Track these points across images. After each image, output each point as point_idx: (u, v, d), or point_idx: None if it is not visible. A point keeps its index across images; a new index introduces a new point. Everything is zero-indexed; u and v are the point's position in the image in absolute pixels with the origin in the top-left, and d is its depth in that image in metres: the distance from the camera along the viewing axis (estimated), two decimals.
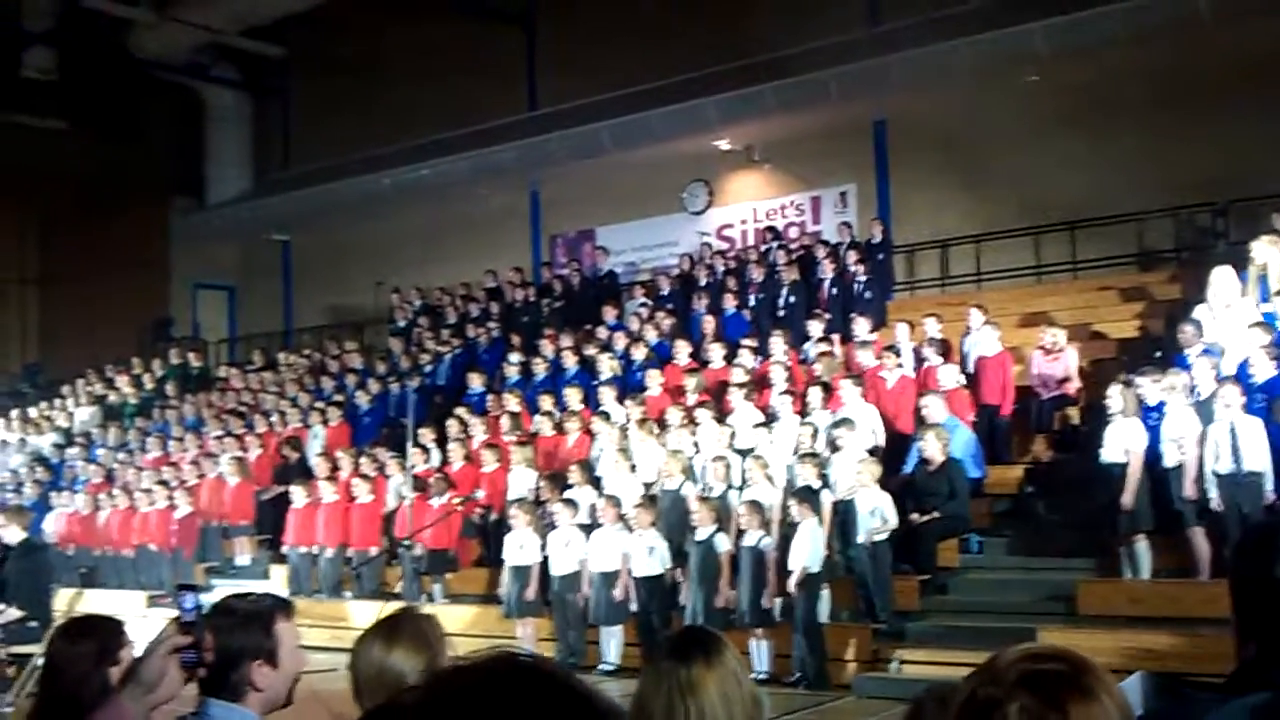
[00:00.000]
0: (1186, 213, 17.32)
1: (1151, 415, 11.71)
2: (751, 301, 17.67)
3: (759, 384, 15.00)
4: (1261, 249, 13.51)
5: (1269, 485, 10.96)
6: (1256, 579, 2.34)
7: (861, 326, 15.80)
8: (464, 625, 14.15)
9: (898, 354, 14.67)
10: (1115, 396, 11.77)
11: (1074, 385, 14.14)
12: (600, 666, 12.90)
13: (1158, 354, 13.33)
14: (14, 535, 11.37)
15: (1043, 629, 10.58)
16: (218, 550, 18.01)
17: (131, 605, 16.01)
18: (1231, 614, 2.39)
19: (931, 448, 12.60)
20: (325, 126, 26.74)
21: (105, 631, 3.67)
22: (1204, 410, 11.48)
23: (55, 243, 26.91)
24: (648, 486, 13.83)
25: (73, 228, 26.67)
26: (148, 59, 26.48)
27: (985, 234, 18.74)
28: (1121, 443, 11.62)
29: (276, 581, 16.44)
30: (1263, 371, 11.62)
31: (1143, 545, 11.55)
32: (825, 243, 18.65)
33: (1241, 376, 11.68)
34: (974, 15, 17.82)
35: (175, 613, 2.97)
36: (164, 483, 18.25)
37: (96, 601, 16.33)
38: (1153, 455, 11.54)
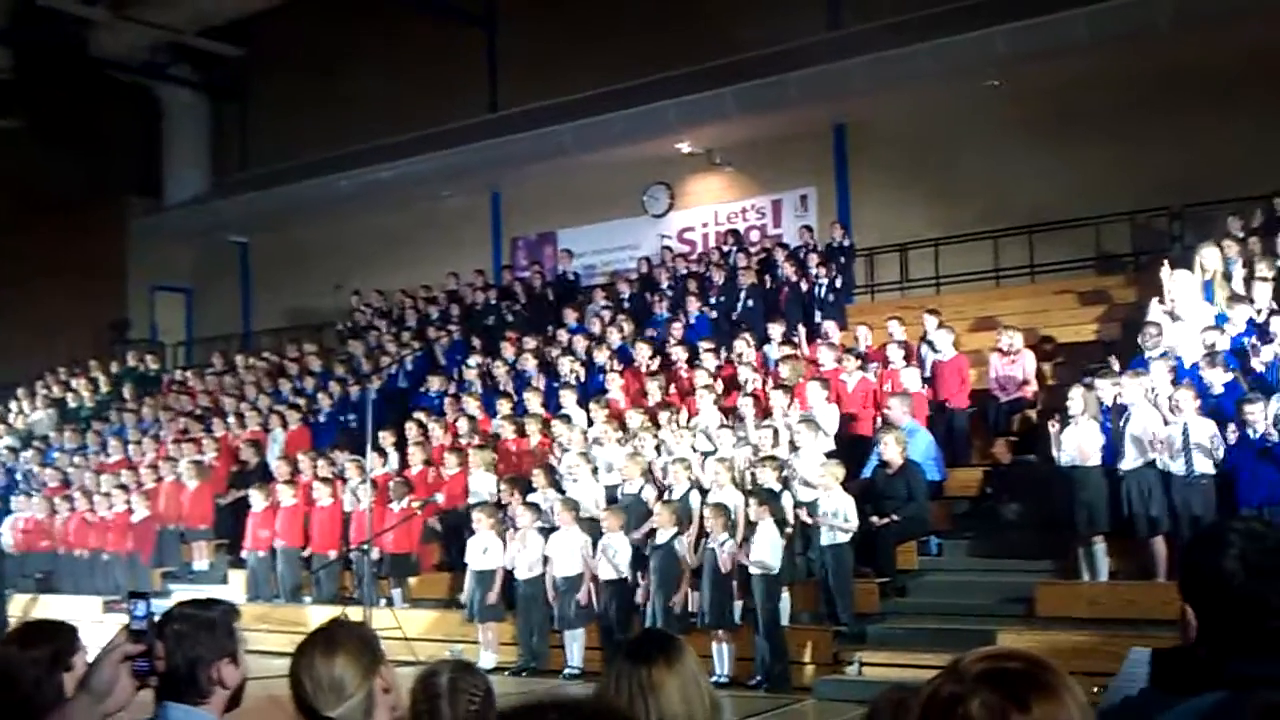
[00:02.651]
0: (1143, 217, 17.48)
1: (1110, 417, 11.80)
2: (712, 304, 17.70)
3: (722, 386, 15.03)
4: (1211, 254, 13.67)
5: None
6: (1206, 578, 2.36)
7: (824, 330, 15.85)
8: (425, 629, 14.10)
9: (858, 357, 14.74)
10: (1076, 399, 11.85)
11: (1032, 388, 14.25)
12: (565, 671, 12.88)
13: (1111, 357, 13.43)
14: None
15: (1001, 630, 10.67)
16: (175, 555, 17.85)
17: (87, 610, 15.85)
18: (1180, 614, 2.41)
19: (890, 451, 12.66)
20: (284, 127, 26.59)
21: (59, 637, 3.63)
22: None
23: (9, 243, 26.60)
24: (610, 490, 13.81)
25: (28, 228, 26.34)
26: (105, 58, 26.30)
27: (944, 238, 18.85)
28: (1080, 445, 11.70)
29: (235, 586, 16.34)
30: (1212, 375, 11.73)
31: (1100, 547, 11.64)
32: (786, 246, 18.71)
33: (1194, 379, 11.80)
34: (934, 20, 17.91)
35: (128, 619, 2.97)
36: (122, 487, 18.07)
37: (52, 606, 16.15)
38: (1110, 458, 11.62)
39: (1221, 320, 12.81)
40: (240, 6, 24.92)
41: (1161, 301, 13.41)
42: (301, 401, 19.44)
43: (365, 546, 14.33)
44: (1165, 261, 13.91)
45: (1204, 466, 11.12)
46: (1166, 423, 11.37)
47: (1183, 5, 15.74)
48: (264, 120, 27.72)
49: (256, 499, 16.32)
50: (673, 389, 15.66)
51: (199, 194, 27.89)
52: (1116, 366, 12.79)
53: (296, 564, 16.03)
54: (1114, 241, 17.84)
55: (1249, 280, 13.22)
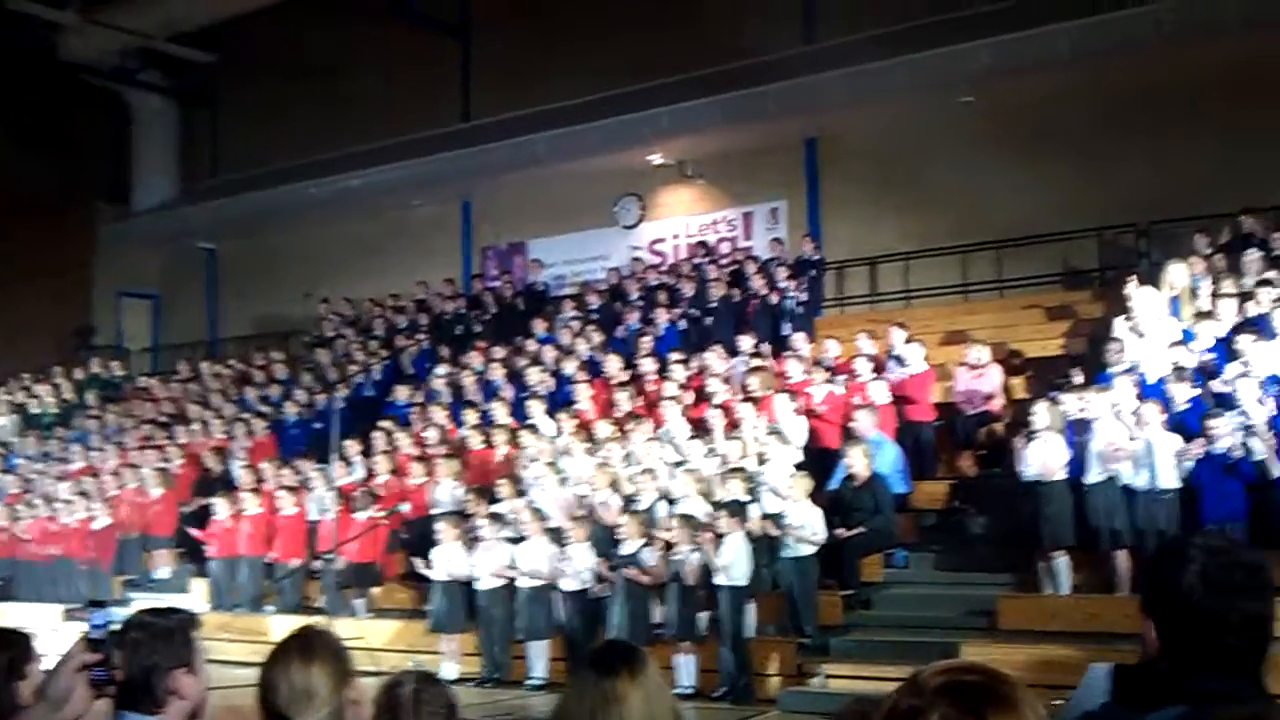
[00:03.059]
0: (1111, 233, 17.61)
1: (1074, 432, 11.87)
2: (682, 315, 17.71)
3: (691, 398, 15.04)
4: (1178, 271, 13.79)
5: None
6: (1166, 594, 2.37)
7: (793, 342, 15.88)
8: (388, 640, 14.03)
9: (826, 369, 14.77)
10: (1041, 413, 11.92)
11: (998, 402, 14.32)
12: (528, 681, 12.83)
13: (1075, 370, 13.51)
14: None
15: (965, 643, 10.70)
16: (137, 563, 17.69)
17: (48, 618, 15.66)
18: (1145, 627, 2.42)
19: (857, 463, 12.70)
20: (254, 134, 26.48)
21: (13, 645, 3.59)
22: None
23: None
24: (578, 500, 13.79)
25: None
26: (75, 63, 26.11)
27: (914, 252, 18.94)
28: (1044, 459, 11.76)
29: (197, 595, 16.20)
30: (1179, 391, 11.82)
31: (1063, 561, 11.70)
32: (756, 258, 18.74)
33: (1158, 394, 11.88)
34: (909, 35, 18.02)
35: (86, 627, 2.96)
36: (84, 493, 17.92)
37: (12, 614, 15.97)
38: (1074, 471, 11.69)
39: (1188, 337, 12.91)
40: (211, 12, 24.81)
41: (1127, 317, 13.50)
42: (268, 410, 19.32)
43: (329, 556, 14.27)
44: (1133, 278, 14.01)
45: (1168, 481, 11.19)
46: (1131, 438, 11.45)
47: (1153, 23, 15.89)
48: (234, 127, 27.59)
49: (221, 507, 16.21)
50: (641, 400, 15.65)
51: (168, 200, 27.73)
52: (1080, 381, 12.87)
53: (259, 573, 15.92)
54: (1082, 257, 17.96)
55: (1215, 297, 13.33)
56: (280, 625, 14.23)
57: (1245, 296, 13.15)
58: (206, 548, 16.31)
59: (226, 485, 17.04)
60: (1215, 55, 15.99)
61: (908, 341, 14.86)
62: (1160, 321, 13.21)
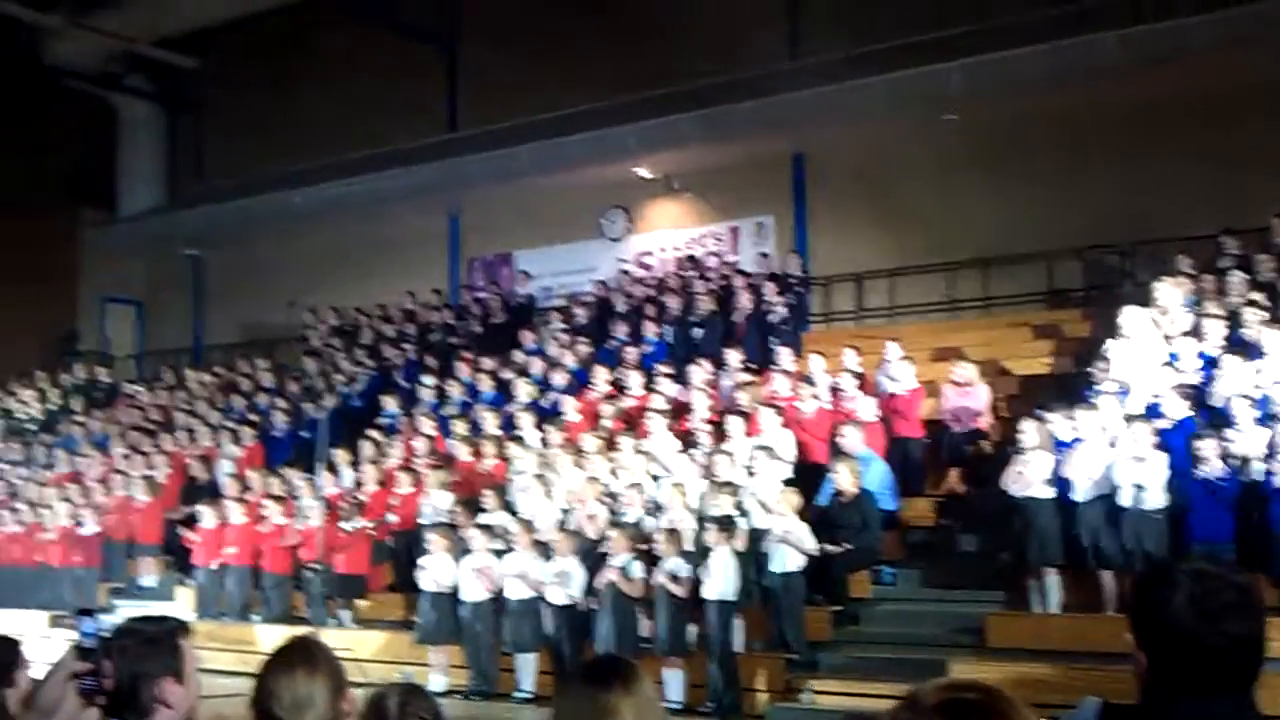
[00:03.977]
0: (1094, 253, 17.67)
1: (1063, 450, 11.88)
2: (669, 330, 17.72)
3: (678, 412, 15.03)
4: (1166, 291, 13.84)
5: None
6: (1154, 618, 2.37)
7: (779, 357, 15.89)
8: (374, 651, 13.99)
9: (813, 385, 14.77)
10: (1029, 432, 11.93)
11: (986, 419, 14.33)
12: (516, 694, 12.80)
13: (1055, 396, 13.52)
14: None
15: (953, 661, 10.69)
16: (122, 570, 17.62)
17: (33, 625, 15.59)
18: (1134, 651, 2.42)
19: (844, 480, 12.70)
20: (240, 141, 26.43)
21: (2, 651, 3.56)
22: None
23: None
24: (565, 513, 13.76)
25: None
26: (60, 67, 26.03)
27: (900, 268, 18.99)
28: (1032, 477, 11.76)
29: (182, 603, 16.14)
30: (1174, 410, 11.84)
31: (1052, 579, 11.71)
32: (743, 273, 18.77)
33: (1148, 414, 11.90)
34: (893, 53, 18.08)
35: (76, 636, 2.93)
36: (68, 499, 17.83)
37: None
38: (1063, 490, 11.70)
39: (1174, 358, 12.94)
40: (197, 18, 24.74)
41: (1116, 337, 13.52)
42: (254, 418, 19.26)
43: (317, 565, 14.22)
44: (1127, 306, 14.02)
45: (1157, 501, 11.21)
46: (1119, 457, 11.46)
47: (1134, 45, 15.99)
48: (220, 133, 27.53)
49: (206, 515, 16.14)
50: (627, 413, 15.63)
51: (153, 206, 27.64)
52: (1069, 401, 12.89)
53: (246, 582, 15.86)
54: (1066, 276, 18.03)
55: (1200, 317, 13.38)
56: (267, 635, 14.18)
57: (1231, 317, 13.20)
58: (193, 553, 16.24)
59: (213, 493, 16.98)
60: (1191, 77, 16.10)
61: (901, 358, 14.84)
62: (1148, 341, 13.23)
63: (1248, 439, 11.23)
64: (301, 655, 3.02)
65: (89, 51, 25.87)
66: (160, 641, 3.11)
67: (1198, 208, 16.14)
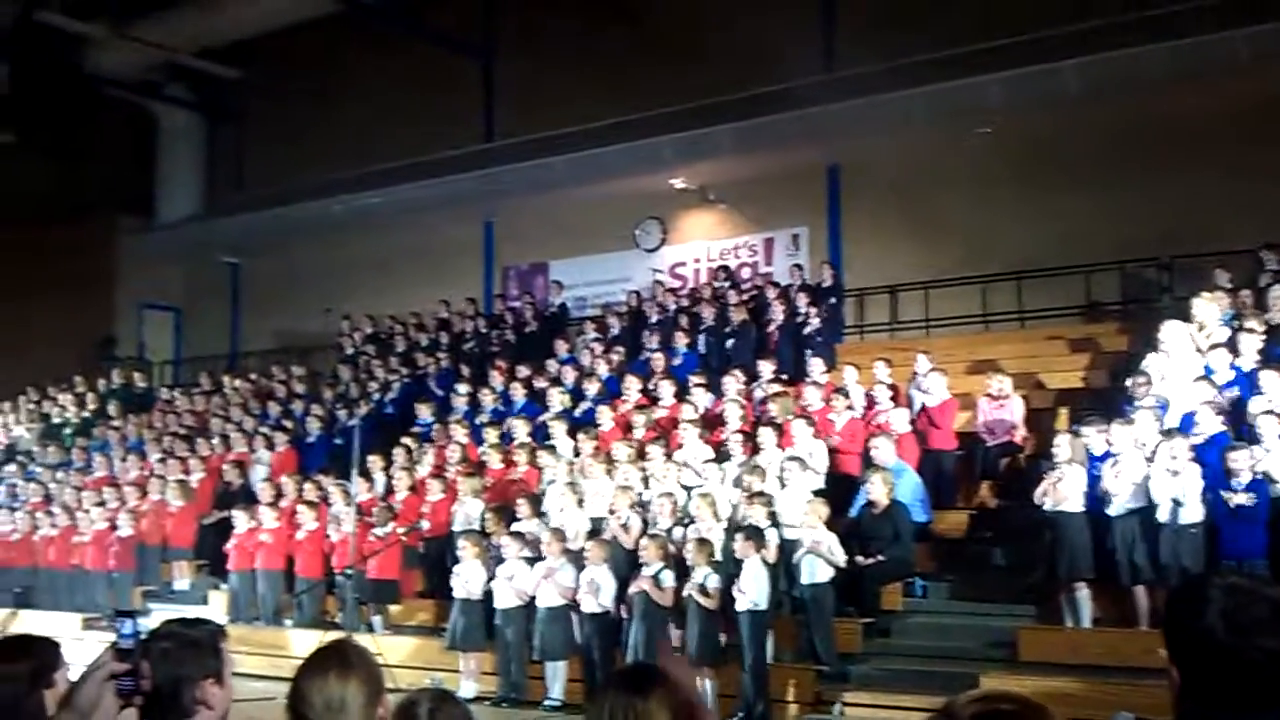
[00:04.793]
0: (1132, 266, 17.57)
1: (1097, 465, 11.80)
2: (702, 341, 17.72)
3: (711, 422, 15.02)
4: (1203, 306, 13.72)
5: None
6: (1188, 634, 2.36)
7: (812, 368, 15.86)
8: (406, 657, 14.01)
9: (846, 396, 14.74)
10: (1064, 445, 11.87)
11: (1020, 433, 14.26)
12: (545, 702, 12.80)
13: (1090, 410, 13.42)
14: None
15: (985, 674, 10.63)
16: (156, 573, 17.76)
17: (67, 627, 15.75)
18: (1169, 666, 2.40)
19: (877, 491, 12.65)
20: (279, 150, 26.66)
21: (41, 652, 3.58)
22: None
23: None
24: (595, 522, 13.77)
25: (18, 242, 26.30)
26: (101, 75, 26.32)
27: (934, 281, 18.93)
28: (1065, 491, 11.69)
29: (215, 607, 16.24)
30: (1208, 425, 11.73)
31: (1084, 593, 11.63)
32: (777, 284, 18.75)
33: (1184, 428, 11.81)
34: (930, 65, 18.05)
35: (111, 637, 2.95)
36: (103, 503, 17.98)
37: (31, 622, 16.05)
38: (1096, 504, 11.62)
39: (1210, 371, 12.83)
40: (239, 29, 25.00)
41: (1155, 351, 13.42)
42: (289, 424, 19.38)
43: (349, 571, 14.28)
44: (1167, 321, 13.91)
45: (1193, 516, 11.11)
46: (1155, 471, 11.37)
47: (1173, 59, 15.91)
48: (259, 143, 27.78)
49: (240, 520, 16.25)
50: (660, 423, 15.64)
51: (191, 214, 27.91)
52: (1105, 415, 12.80)
53: (278, 587, 15.95)
54: (1103, 289, 17.93)
55: (1238, 331, 13.26)
56: (300, 640, 14.26)
57: (1269, 331, 13.08)
58: (227, 558, 16.34)
59: (247, 498, 17.09)
60: (1227, 92, 16.01)
61: (931, 370, 14.80)
62: (1185, 356, 13.13)
63: (1275, 457, 11.10)
64: (336, 659, 3.03)
65: (130, 61, 26.15)
66: (201, 644, 3.14)
67: (1236, 222, 16.04)
